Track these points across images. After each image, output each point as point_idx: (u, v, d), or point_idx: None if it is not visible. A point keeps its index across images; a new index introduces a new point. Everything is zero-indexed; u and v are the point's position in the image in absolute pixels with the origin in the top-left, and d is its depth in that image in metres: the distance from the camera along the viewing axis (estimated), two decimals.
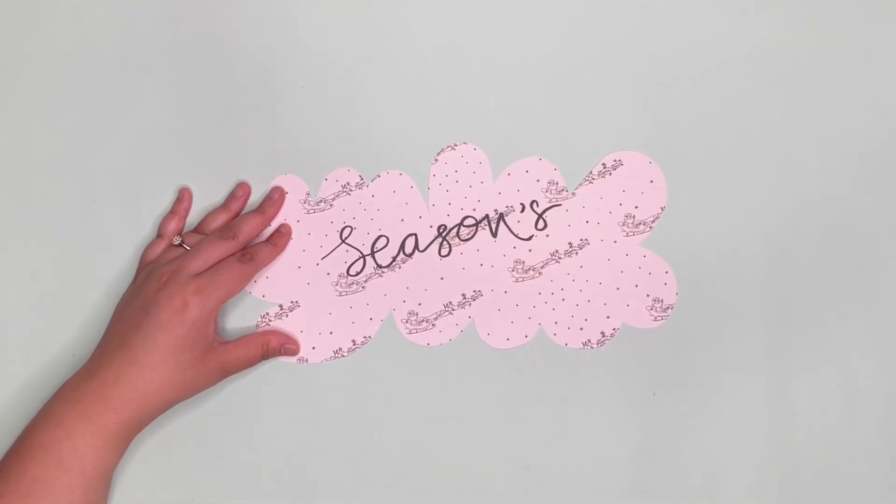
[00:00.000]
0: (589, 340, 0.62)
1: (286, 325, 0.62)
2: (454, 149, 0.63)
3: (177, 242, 0.61)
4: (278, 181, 0.63)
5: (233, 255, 0.59)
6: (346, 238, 0.62)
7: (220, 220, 0.62)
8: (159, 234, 0.62)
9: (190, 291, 0.56)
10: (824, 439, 0.61)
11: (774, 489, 0.61)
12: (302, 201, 0.63)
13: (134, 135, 0.63)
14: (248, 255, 0.59)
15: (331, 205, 0.63)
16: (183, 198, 0.62)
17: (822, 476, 0.61)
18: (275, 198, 0.62)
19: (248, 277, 0.59)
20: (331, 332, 0.62)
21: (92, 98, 0.64)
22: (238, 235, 0.60)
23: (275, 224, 0.63)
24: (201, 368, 0.57)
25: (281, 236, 0.62)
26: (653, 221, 0.62)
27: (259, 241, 0.62)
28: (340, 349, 0.62)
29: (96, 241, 0.63)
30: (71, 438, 0.54)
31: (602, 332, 0.62)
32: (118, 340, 0.56)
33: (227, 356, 0.58)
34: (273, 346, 0.61)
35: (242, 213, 0.62)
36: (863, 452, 0.61)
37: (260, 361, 0.61)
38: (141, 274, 0.60)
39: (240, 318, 0.62)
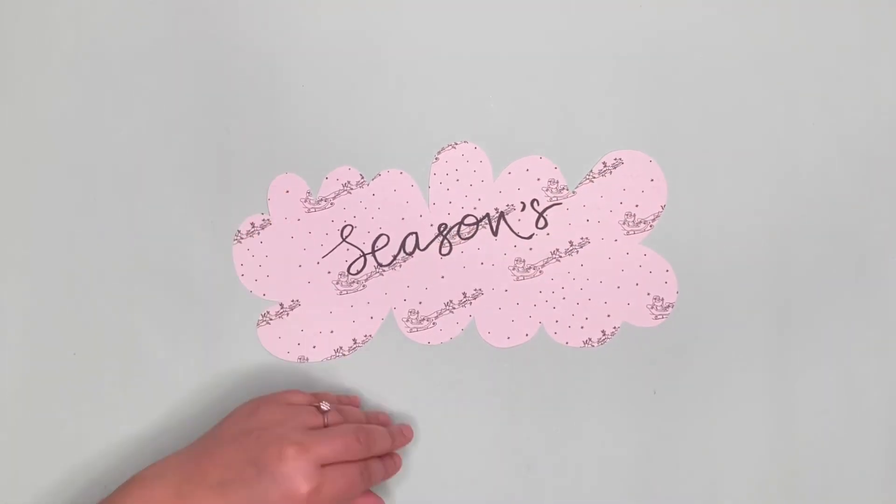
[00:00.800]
0: (590, 339, 0.62)
1: (286, 323, 0.62)
2: (455, 147, 0.63)
3: (325, 409, 0.57)
4: (279, 180, 0.63)
5: (357, 463, 0.56)
6: (346, 237, 0.62)
7: (360, 417, 0.59)
8: (312, 394, 0.59)
9: (306, 486, 0.52)
10: (824, 439, 0.61)
11: (775, 488, 0.61)
12: (302, 200, 0.63)
13: (134, 134, 0.63)
14: (367, 474, 0.56)
15: (331, 203, 0.63)
16: (353, 401, 0.61)
17: (822, 475, 0.61)
18: (407, 435, 0.60)
19: (358, 493, 0.55)
20: (331, 331, 0.62)
21: (92, 98, 0.64)
22: (371, 449, 0.56)
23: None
24: None
25: (403, 438, 0.60)
26: (653, 220, 0.62)
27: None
28: (341, 348, 0.62)
29: (97, 240, 0.63)
30: None
31: (603, 331, 0.62)
32: (219, 476, 0.52)
33: None
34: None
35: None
36: (863, 452, 0.61)
37: None
38: (270, 411, 0.56)
39: (241, 318, 0.62)
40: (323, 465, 0.53)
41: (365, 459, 0.56)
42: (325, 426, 0.55)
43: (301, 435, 0.53)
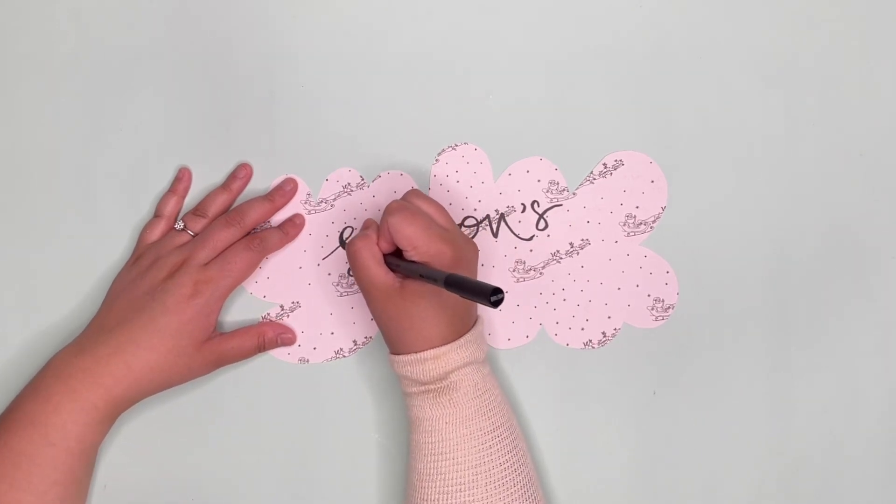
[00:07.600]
0: (590, 340, 0.62)
1: (287, 325, 0.62)
2: (455, 149, 0.63)
3: (179, 227, 0.61)
4: (279, 182, 0.63)
5: (240, 240, 0.60)
6: (347, 238, 0.62)
7: (221, 200, 0.61)
8: (157, 215, 0.62)
9: (200, 280, 0.57)
10: (824, 439, 0.62)
11: (775, 488, 0.61)
12: (303, 202, 0.63)
13: (133, 136, 0.63)
14: (257, 241, 0.60)
15: (332, 205, 0.63)
16: (182, 177, 0.62)
17: (822, 476, 0.61)
18: (287, 189, 0.62)
19: (256, 264, 0.60)
20: (332, 333, 0.62)
21: (91, 99, 0.63)
22: (244, 221, 0.60)
23: (285, 215, 0.62)
24: (196, 357, 0.57)
25: (294, 226, 0.62)
26: (654, 221, 0.62)
27: (267, 227, 0.62)
28: (341, 349, 0.62)
29: (97, 240, 0.63)
30: (59, 414, 0.54)
31: (603, 333, 0.62)
32: (117, 319, 0.57)
33: (222, 346, 0.59)
34: (269, 336, 0.61)
35: (247, 197, 0.62)
36: (863, 452, 0.62)
37: (256, 353, 0.61)
38: (145, 258, 0.60)
39: (242, 319, 0.62)
40: (206, 264, 0.58)
41: (250, 234, 0.60)
42: (195, 236, 0.60)
43: (176, 254, 0.58)
